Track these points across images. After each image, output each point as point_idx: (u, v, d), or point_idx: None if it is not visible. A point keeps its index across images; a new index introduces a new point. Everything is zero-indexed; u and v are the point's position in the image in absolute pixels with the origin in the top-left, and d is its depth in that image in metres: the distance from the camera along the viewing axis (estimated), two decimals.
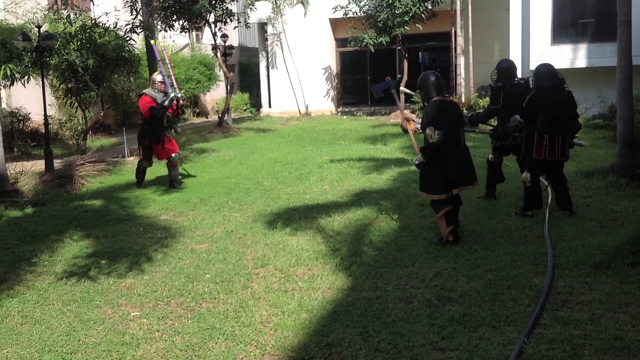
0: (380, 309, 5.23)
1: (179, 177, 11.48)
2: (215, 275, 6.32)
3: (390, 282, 5.86)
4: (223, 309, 5.42)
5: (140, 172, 11.42)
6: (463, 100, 20.00)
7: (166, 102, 10.80)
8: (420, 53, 26.39)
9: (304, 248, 7.09)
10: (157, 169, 12.91)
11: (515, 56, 20.11)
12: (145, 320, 5.24)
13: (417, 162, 7.09)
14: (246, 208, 9.35)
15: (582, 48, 19.05)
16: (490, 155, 9.15)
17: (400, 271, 6.15)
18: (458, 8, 21.01)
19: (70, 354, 4.65)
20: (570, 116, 7.81)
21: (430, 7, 21.61)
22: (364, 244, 7.13)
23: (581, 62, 19.07)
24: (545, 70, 7.78)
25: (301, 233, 7.69)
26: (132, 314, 5.38)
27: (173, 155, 11.11)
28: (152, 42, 13.85)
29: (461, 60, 21.46)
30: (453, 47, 21.86)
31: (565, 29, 19.36)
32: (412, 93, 9.86)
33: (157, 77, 11.18)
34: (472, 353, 4.38)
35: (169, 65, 12.67)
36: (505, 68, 8.74)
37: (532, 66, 19.56)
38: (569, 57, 19.16)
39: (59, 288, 6.07)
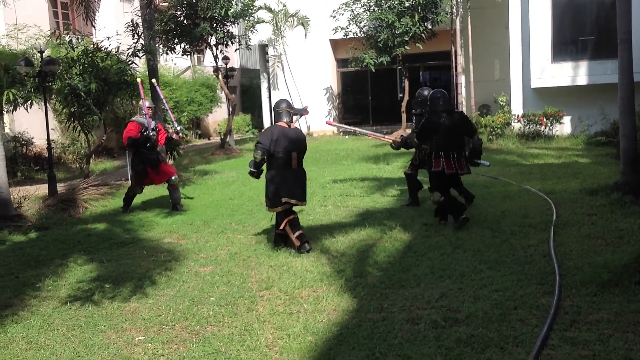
0: (386, 330, 5.19)
1: (181, 198, 11.48)
2: (219, 298, 6.29)
3: (396, 303, 5.82)
4: (228, 332, 5.38)
5: (129, 197, 11.35)
6: None
7: (151, 134, 10.89)
8: (421, 72, 26.53)
9: (309, 269, 7.05)
10: (160, 191, 12.96)
11: (516, 74, 20.24)
12: (150, 344, 5.20)
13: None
14: (250, 230, 9.33)
15: (583, 65, 19.09)
16: (408, 170, 10.51)
17: (406, 292, 6.11)
18: (458, 27, 21.12)
19: None
20: (466, 134, 8.67)
21: (430, 27, 21.76)
22: (369, 265, 7.10)
23: (582, 80, 19.10)
24: (439, 96, 8.68)
25: (305, 254, 7.65)
26: (136, 339, 5.34)
27: (173, 178, 11.17)
28: (153, 80, 14.01)
29: (462, 79, 21.52)
30: (453, 66, 21.93)
31: (565, 46, 19.41)
32: (338, 125, 12.57)
33: (145, 102, 11.17)
34: None
35: (165, 102, 12.86)
36: (424, 97, 9.66)
37: (534, 84, 19.72)
38: (569, 74, 19.21)
39: (63, 313, 6.03)
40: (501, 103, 20.46)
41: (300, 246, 7.76)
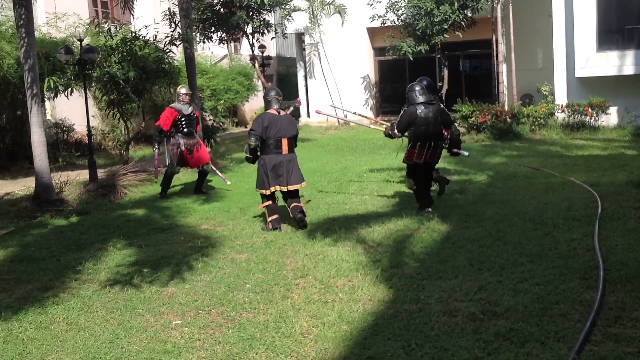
0: (422, 322, 5.12)
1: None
2: (255, 285, 6.30)
3: (433, 294, 5.74)
4: (263, 319, 5.38)
5: (167, 178, 11.59)
6: (506, 108, 19.71)
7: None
8: (460, 61, 26.17)
9: (344, 259, 7.01)
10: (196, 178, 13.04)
11: (559, 63, 19.84)
12: (186, 329, 5.24)
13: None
14: (286, 218, 9.31)
15: (630, 55, 18.58)
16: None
17: (443, 284, 6.03)
18: (499, 15, 20.73)
19: None
20: (442, 125, 9.05)
21: (470, 15, 21.40)
22: (405, 255, 7.03)
23: (629, 69, 18.61)
24: (417, 89, 9.05)
25: (341, 243, 7.61)
26: (173, 323, 5.38)
27: (204, 165, 11.61)
28: None
29: (503, 68, 21.15)
30: (494, 54, 21.58)
31: (611, 35, 18.91)
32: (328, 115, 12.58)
33: (182, 89, 11.72)
34: None
35: None
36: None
37: (578, 74, 19.29)
38: (615, 64, 18.73)
39: (103, 296, 6.12)
40: (544, 93, 20.07)
41: (270, 229, 8.43)
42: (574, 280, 5.84)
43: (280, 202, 8.89)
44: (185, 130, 11.44)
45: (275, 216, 8.53)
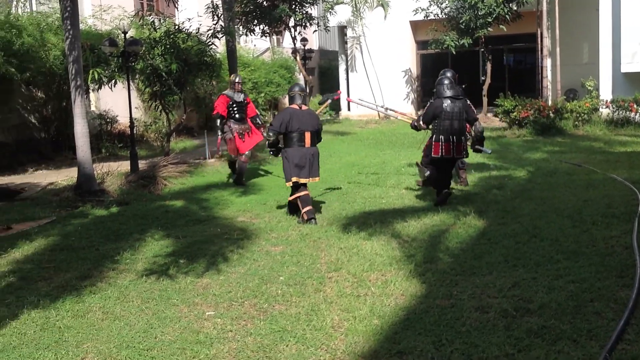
0: (454, 317, 5.09)
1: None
2: (288, 277, 6.34)
3: (466, 290, 5.70)
4: (295, 311, 5.41)
5: (231, 164, 12.51)
6: (549, 103, 19.37)
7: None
8: (504, 55, 25.81)
9: (378, 253, 7.01)
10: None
11: (605, 58, 19.41)
12: (219, 320, 5.30)
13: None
14: (322, 211, 9.35)
15: None
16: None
17: (477, 279, 5.98)
18: (544, 8, 20.35)
19: (147, 350, 4.75)
20: (466, 121, 9.15)
21: (515, 8, 21.09)
22: (440, 251, 6.99)
23: None
24: (446, 83, 9.15)
25: (376, 238, 7.61)
26: (207, 313, 5.45)
27: (246, 152, 12.07)
28: None
29: (548, 62, 20.78)
30: (539, 48, 21.20)
31: None
32: (360, 103, 12.49)
33: (235, 78, 12.49)
34: None
35: None
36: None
37: (624, 69, 18.84)
38: None
39: (139, 285, 6.23)
40: (589, 88, 19.66)
41: (306, 220, 8.56)
42: (610, 278, 5.73)
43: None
44: (237, 115, 12.06)
45: (308, 207, 8.67)
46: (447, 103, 9.04)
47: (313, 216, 8.62)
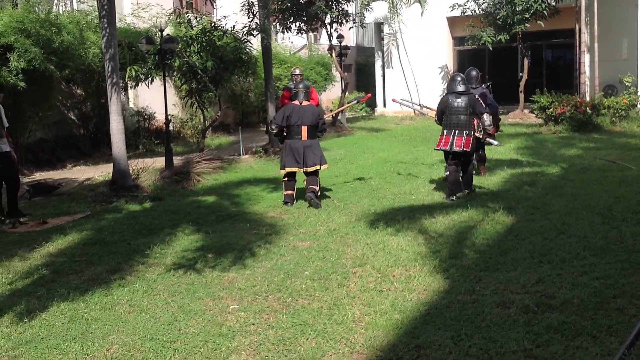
0: (475, 313, 5.10)
1: None
2: (313, 272, 6.40)
3: (489, 286, 5.70)
4: (317, 306, 5.48)
5: None
6: (587, 99, 19.04)
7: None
8: (542, 51, 25.44)
9: (404, 249, 7.03)
10: (269, 167, 13.33)
11: None
12: (242, 313, 5.39)
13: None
14: (351, 207, 9.40)
15: None
16: None
17: (501, 275, 5.96)
18: (583, 4, 20.02)
19: (170, 342, 4.86)
20: (472, 114, 9.42)
21: (553, 4, 20.79)
22: (466, 247, 6.98)
23: None
24: (458, 79, 9.58)
25: (402, 233, 7.63)
26: (231, 307, 5.54)
27: None
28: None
29: (586, 58, 20.43)
30: (577, 44, 20.86)
31: None
32: (402, 102, 12.65)
33: (296, 70, 13.29)
34: None
35: None
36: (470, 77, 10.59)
37: None
38: None
39: (167, 279, 6.35)
40: (627, 84, 19.27)
41: (284, 202, 9.70)
42: (635, 275, 5.68)
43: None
44: None
45: (288, 192, 9.72)
46: (452, 98, 9.47)
47: (288, 200, 9.68)
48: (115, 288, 6.13)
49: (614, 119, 17.89)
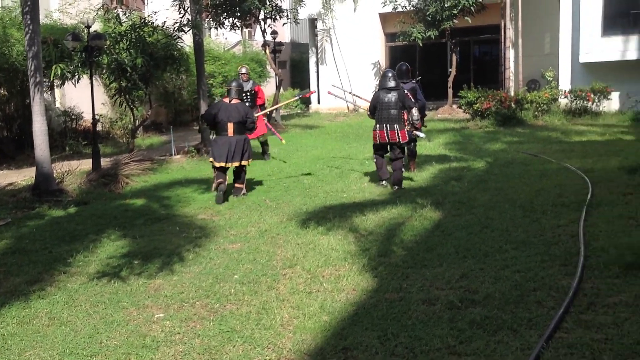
0: (401, 311, 5.15)
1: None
2: (243, 276, 6.33)
3: (416, 283, 5.77)
4: (246, 310, 5.41)
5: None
6: (512, 94, 19.55)
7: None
8: (470, 47, 25.97)
9: (334, 248, 7.04)
10: (201, 167, 13.17)
11: (565, 48, 19.65)
12: (168, 322, 5.26)
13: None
14: (283, 206, 9.36)
15: (633, 40, 18.42)
16: None
17: (427, 272, 6.05)
18: (508, 0, 20.52)
19: (91, 356, 4.69)
20: (402, 109, 9.87)
21: (479, 0, 21.23)
22: (394, 244, 7.05)
23: (632, 54, 18.46)
24: (389, 75, 10.07)
25: (333, 232, 7.64)
26: (156, 316, 5.40)
27: (261, 137, 13.79)
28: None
29: (511, 54, 20.98)
30: (502, 40, 21.38)
31: (616, 20, 18.72)
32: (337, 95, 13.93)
33: (242, 69, 13.76)
34: (489, 358, 4.28)
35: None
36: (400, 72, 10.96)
37: (583, 59, 19.10)
38: (619, 48, 18.57)
39: (89, 289, 6.13)
40: (549, 78, 19.89)
41: (214, 188, 10.13)
42: (555, 267, 5.86)
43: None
44: (248, 104, 12.42)
45: (219, 180, 9.99)
46: (383, 94, 9.92)
47: (220, 188, 9.96)
48: (34, 300, 5.87)
49: (536, 113, 18.47)
